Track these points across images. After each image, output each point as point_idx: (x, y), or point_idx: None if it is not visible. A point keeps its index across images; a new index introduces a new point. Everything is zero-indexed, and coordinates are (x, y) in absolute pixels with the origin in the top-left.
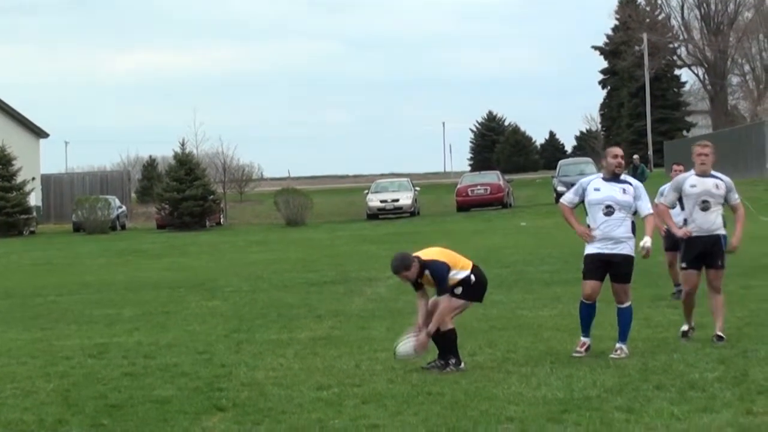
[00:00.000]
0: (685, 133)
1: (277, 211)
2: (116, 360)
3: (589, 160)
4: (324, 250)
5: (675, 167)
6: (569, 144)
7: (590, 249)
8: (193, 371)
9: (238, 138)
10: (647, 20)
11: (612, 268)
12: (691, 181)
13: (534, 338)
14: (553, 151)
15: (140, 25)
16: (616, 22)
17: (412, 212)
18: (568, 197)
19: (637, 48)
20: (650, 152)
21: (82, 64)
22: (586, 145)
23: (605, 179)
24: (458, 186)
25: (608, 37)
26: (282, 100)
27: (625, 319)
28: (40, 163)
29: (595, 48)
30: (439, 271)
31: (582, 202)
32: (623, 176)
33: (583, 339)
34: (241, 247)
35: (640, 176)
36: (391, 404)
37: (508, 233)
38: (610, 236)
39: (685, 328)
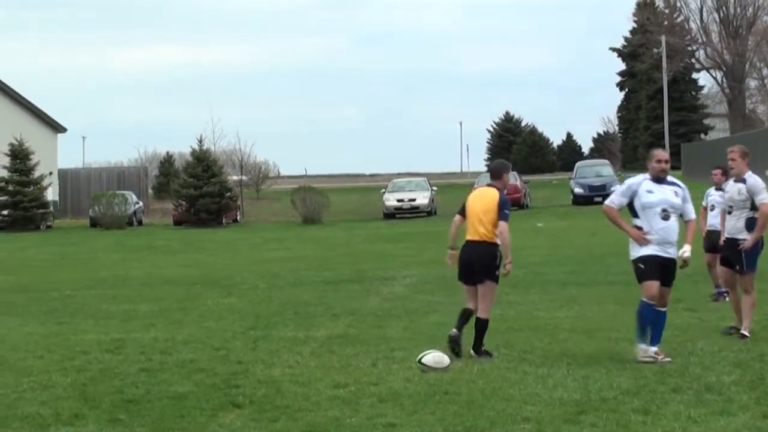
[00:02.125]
0: (702, 136)
1: (294, 209)
2: (133, 355)
3: (606, 162)
4: (340, 249)
5: (714, 171)
6: (586, 146)
7: (647, 251)
8: (210, 367)
9: (255, 135)
10: (665, 23)
11: (665, 272)
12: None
13: (550, 339)
14: (570, 152)
15: (158, 21)
16: (635, 25)
17: (428, 212)
18: (616, 200)
19: (655, 50)
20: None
21: (101, 59)
22: (603, 147)
23: (654, 181)
24: (475, 186)
25: (626, 39)
26: (298, 97)
27: (663, 321)
28: (58, 157)
29: (613, 50)
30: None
31: (631, 203)
32: (670, 178)
33: (644, 347)
34: (258, 244)
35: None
36: (407, 403)
37: (524, 234)
38: (668, 240)
39: (732, 324)
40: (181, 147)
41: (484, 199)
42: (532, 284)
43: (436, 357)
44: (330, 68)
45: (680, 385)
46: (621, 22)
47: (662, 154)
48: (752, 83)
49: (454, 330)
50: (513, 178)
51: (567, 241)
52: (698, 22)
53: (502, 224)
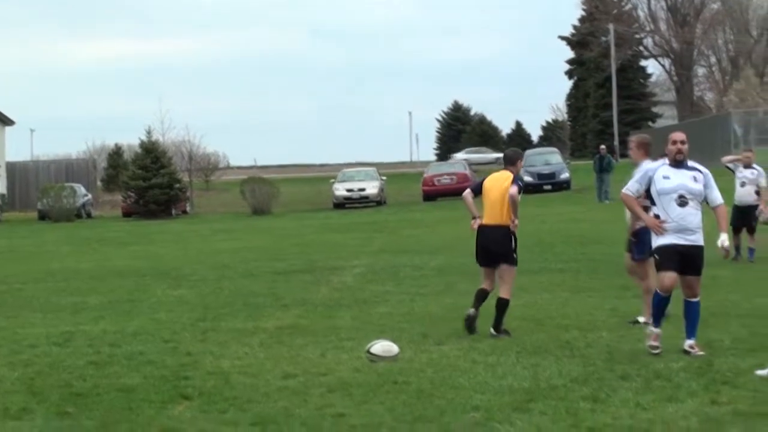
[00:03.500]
0: (650, 123)
1: (244, 200)
2: (82, 348)
3: (555, 150)
4: (290, 239)
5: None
6: (535, 134)
7: (665, 240)
8: (159, 360)
9: (205, 127)
10: (614, 11)
11: (687, 260)
12: None
13: None
14: (519, 140)
15: (107, 13)
16: (583, 13)
17: (378, 201)
18: (633, 186)
19: (603, 38)
20: (616, 143)
21: (49, 51)
22: (552, 135)
23: (672, 166)
24: (424, 175)
25: (575, 27)
26: (247, 88)
27: (696, 313)
28: (6, 150)
29: (562, 38)
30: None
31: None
32: (691, 162)
33: (655, 331)
34: (207, 235)
35: (607, 166)
36: (357, 393)
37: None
38: (687, 227)
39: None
40: (131, 139)
41: (500, 182)
42: None
43: (384, 346)
44: (280, 60)
45: (629, 372)
46: (570, 11)
47: (678, 135)
48: (700, 71)
49: (472, 309)
50: (462, 167)
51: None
52: (646, 10)
53: (513, 187)
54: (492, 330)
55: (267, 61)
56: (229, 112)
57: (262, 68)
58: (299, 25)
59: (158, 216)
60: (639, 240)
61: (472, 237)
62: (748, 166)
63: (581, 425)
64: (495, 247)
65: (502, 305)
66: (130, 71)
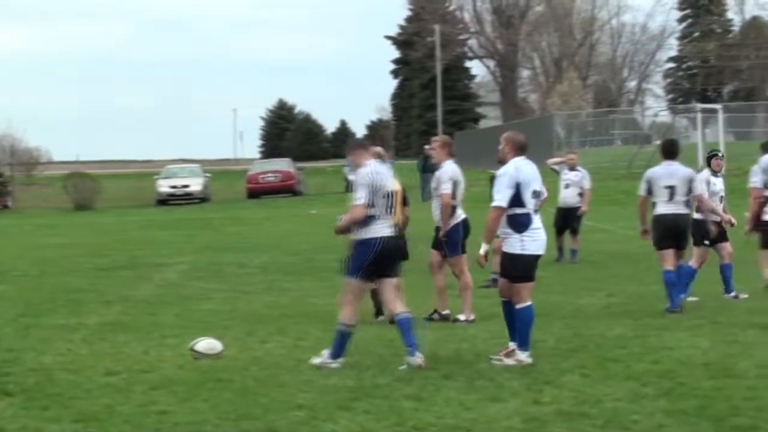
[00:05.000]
0: (475, 124)
1: (66, 195)
2: None
3: (379, 149)
4: (113, 235)
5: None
6: (360, 133)
7: None
8: None
9: (28, 121)
10: (440, 12)
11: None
12: None
13: (325, 326)
14: (344, 139)
15: None
16: (410, 13)
17: (202, 198)
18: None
19: (429, 39)
20: None
21: None
22: (376, 134)
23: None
24: (249, 173)
25: (401, 27)
26: (71, 83)
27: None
28: None
29: (388, 38)
30: None
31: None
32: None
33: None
34: (29, 230)
35: (431, 167)
36: (180, 390)
37: (298, 221)
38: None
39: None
40: None
41: None
42: (307, 271)
43: (208, 344)
44: (104, 55)
45: (452, 371)
46: (396, 11)
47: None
48: (524, 72)
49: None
50: (287, 165)
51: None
52: (472, 11)
53: None
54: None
55: (91, 55)
56: (52, 106)
57: (87, 62)
58: (127, 20)
59: None
60: (449, 239)
61: (295, 235)
62: (572, 168)
63: (405, 424)
64: None
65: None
66: None
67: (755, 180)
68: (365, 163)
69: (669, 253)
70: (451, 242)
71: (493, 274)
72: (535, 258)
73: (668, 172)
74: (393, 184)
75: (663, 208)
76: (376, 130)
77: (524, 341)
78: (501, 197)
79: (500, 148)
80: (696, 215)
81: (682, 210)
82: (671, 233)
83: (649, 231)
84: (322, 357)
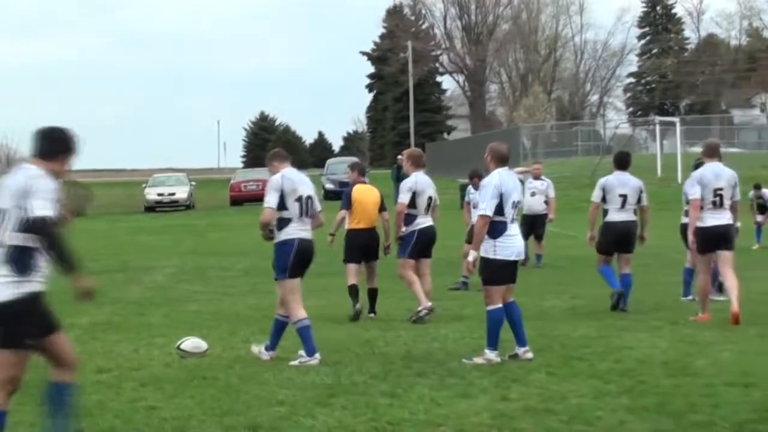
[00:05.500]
0: (445, 135)
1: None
2: None
3: (356, 159)
4: (104, 240)
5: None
6: (337, 144)
7: None
8: None
9: (23, 132)
10: (413, 29)
11: None
12: None
13: None
14: (321, 150)
15: None
16: (384, 30)
17: (187, 205)
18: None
19: (402, 55)
20: None
21: None
22: (352, 145)
23: None
24: (232, 181)
25: (376, 43)
26: (62, 94)
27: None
28: None
29: (363, 53)
30: None
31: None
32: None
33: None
34: None
35: (404, 176)
36: (168, 387)
37: None
38: None
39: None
40: None
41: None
42: None
43: (194, 343)
44: (93, 67)
45: (425, 369)
46: (371, 28)
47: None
48: (492, 87)
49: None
50: (268, 175)
51: (322, 233)
52: (442, 29)
53: None
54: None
55: (81, 68)
56: (46, 117)
57: (77, 74)
58: (109, 34)
59: None
60: (404, 241)
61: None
62: (537, 177)
63: (381, 419)
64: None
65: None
66: None
67: (694, 191)
68: (280, 171)
69: (609, 258)
70: (402, 245)
71: (462, 278)
72: (507, 263)
73: (621, 182)
74: (308, 190)
75: (615, 215)
76: (352, 141)
77: (493, 341)
78: (486, 206)
79: (485, 156)
80: (684, 220)
81: (632, 217)
82: (622, 238)
83: (595, 237)
84: (300, 358)
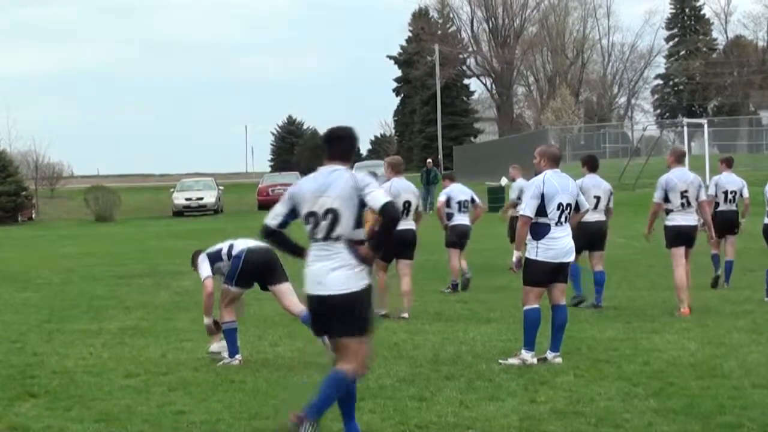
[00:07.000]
0: (473, 138)
1: (87, 208)
2: None
3: (382, 162)
4: (132, 245)
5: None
6: (365, 147)
7: None
8: (6, 359)
9: (51, 138)
10: (439, 32)
11: None
12: None
13: None
14: None
15: None
16: (410, 34)
17: (215, 210)
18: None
19: (429, 58)
20: (440, 156)
21: None
22: (380, 148)
23: None
24: (259, 185)
25: (402, 47)
26: (91, 100)
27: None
28: None
29: (390, 57)
30: None
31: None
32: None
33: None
34: (53, 241)
35: (433, 179)
36: (196, 391)
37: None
38: None
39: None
40: None
41: None
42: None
43: (222, 346)
44: (122, 74)
45: (453, 372)
46: (398, 32)
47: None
48: (519, 90)
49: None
50: (296, 179)
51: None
52: (469, 32)
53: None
54: None
55: (111, 75)
56: (73, 123)
57: (106, 81)
58: (139, 41)
59: (5, 222)
60: None
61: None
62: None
63: (409, 423)
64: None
65: None
66: None
67: (657, 195)
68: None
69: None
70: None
71: (453, 281)
72: (549, 265)
73: (594, 184)
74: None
75: (590, 215)
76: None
77: (529, 342)
78: (526, 207)
79: (535, 162)
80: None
81: (602, 217)
82: (595, 238)
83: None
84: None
